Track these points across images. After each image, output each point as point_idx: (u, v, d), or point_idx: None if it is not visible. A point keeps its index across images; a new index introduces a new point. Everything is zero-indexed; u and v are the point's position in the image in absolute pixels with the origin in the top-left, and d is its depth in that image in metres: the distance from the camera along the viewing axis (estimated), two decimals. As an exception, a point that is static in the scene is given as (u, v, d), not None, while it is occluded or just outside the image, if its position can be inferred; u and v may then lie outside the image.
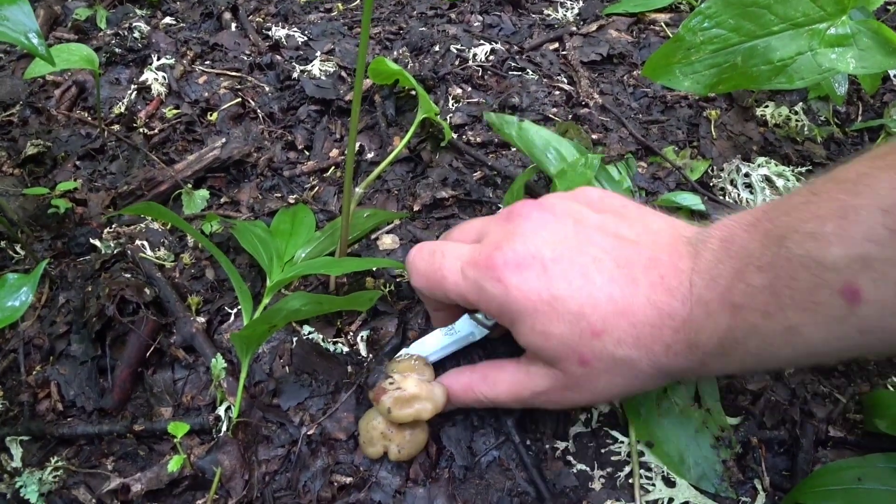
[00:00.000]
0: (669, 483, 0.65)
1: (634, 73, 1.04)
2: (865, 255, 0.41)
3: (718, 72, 0.78)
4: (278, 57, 1.00)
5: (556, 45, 1.06)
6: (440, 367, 0.68)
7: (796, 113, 0.98)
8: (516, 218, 0.59)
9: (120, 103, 0.96)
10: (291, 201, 0.84)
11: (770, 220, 0.48)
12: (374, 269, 0.76)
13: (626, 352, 0.52)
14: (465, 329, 0.67)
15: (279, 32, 1.05)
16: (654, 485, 0.65)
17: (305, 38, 1.03)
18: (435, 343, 0.67)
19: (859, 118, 1.02)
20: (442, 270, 0.60)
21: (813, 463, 0.67)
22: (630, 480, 0.66)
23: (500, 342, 0.71)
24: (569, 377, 0.56)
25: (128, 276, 0.74)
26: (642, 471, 0.66)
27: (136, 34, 1.07)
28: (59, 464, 0.66)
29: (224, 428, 0.66)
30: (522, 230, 0.57)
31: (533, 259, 0.55)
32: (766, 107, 0.99)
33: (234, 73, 0.99)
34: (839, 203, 0.43)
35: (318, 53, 1.00)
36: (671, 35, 1.06)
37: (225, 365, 0.66)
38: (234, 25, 1.08)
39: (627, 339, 0.52)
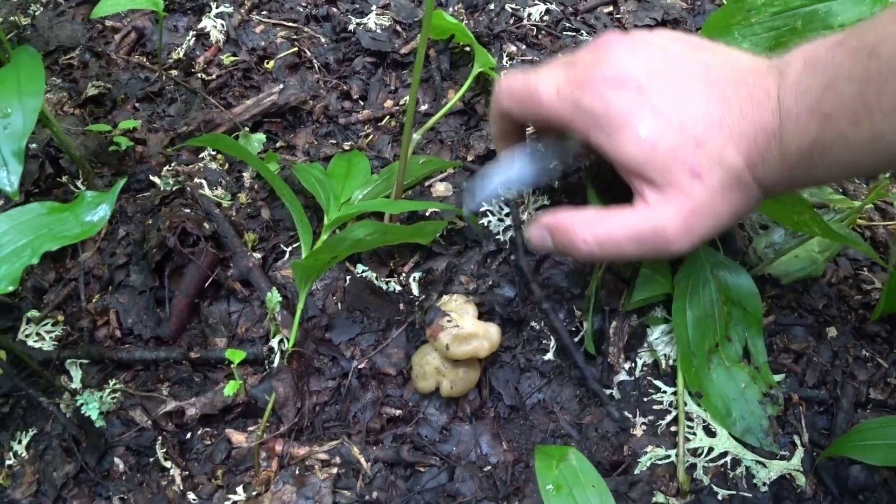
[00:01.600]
0: (710, 433, 0.66)
1: (688, 38, 1.03)
2: None
3: (777, 35, 0.77)
4: (334, 9, 1.02)
5: (611, 8, 1.06)
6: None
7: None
8: (606, 45, 0.58)
9: (178, 49, 0.98)
10: (346, 147, 0.86)
11: (856, 38, 0.48)
12: (427, 213, 0.77)
13: (729, 159, 0.53)
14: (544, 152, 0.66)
15: (335, -15, 1.06)
16: (694, 433, 0.66)
17: (361, -8, 1.04)
18: (518, 165, 0.67)
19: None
20: (537, 89, 0.60)
21: (852, 423, 0.68)
22: (673, 428, 0.67)
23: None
24: (686, 194, 0.54)
25: (187, 210, 0.76)
26: (685, 421, 0.67)
27: (194, -17, 1.08)
28: (117, 386, 0.69)
29: (277, 359, 0.68)
30: (614, 54, 0.57)
31: (629, 78, 0.55)
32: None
33: (290, 24, 1.00)
34: None
35: (374, 7, 1.01)
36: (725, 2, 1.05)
37: (280, 298, 0.67)
38: (290, -23, 1.09)
39: (727, 148, 0.53)
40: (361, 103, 0.92)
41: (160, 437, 0.66)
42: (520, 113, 0.63)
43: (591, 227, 0.57)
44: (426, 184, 0.81)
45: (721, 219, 0.55)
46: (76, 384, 0.69)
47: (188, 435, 0.67)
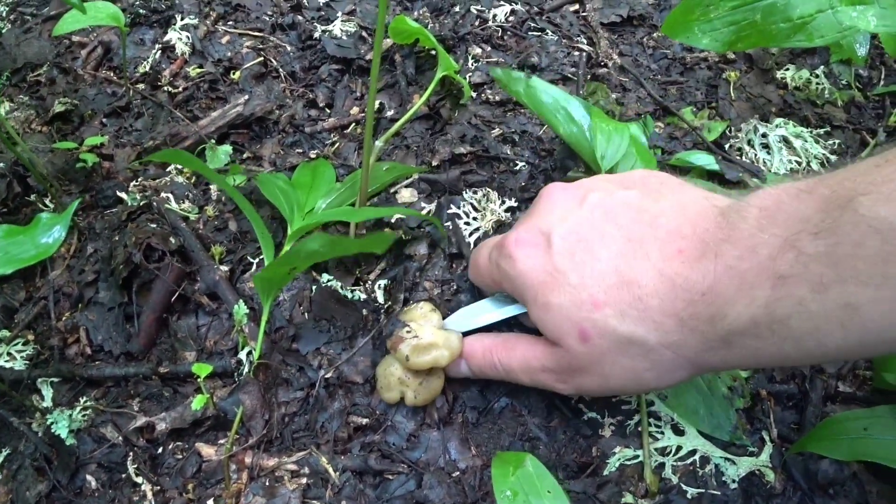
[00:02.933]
0: (678, 431, 0.67)
1: (654, 34, 1.04)
2: None
3: (737, 29, 0.78)
4: (300, 17, 1.02)
5: (576, 6, 1.06)
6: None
7: (817, 76, 0.98)
8: (539, 200, 0.60)
9: (145, 63, 0.98)
10: (312, 156, 0.86)
11: (828, 186, 0.42)
12: (392, 219, 0.77)
13: (629, 327, 0.50)
14: (506, 304, 0.67)
15: (302, -7, 1.06)
16: (662, 433, 0.66)
17: None
18: (479, 313, 0.68)
19: (881, 82, 1.01)
20: (478, 260, 0.64)
21: (821, 417, 0.68)
22: (639, 428, 0.67)
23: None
24: (573, 356, 0.54)
25: (153, 225, 0.76)
26: (652, 420, 0.67)
27: (161, -5, 1.08)
28: (88, 404, 0.69)
29: (246, 371, 0.68)
30: (539, 210, 0.59)
31: (541, 236, 0.56)
32: (787, 70, 0.99)
33: (256, 34, 1.00)
34: None
35: (340, 14, 1.01)
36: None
37: (247, 311, 0.68)
38: (256, -13, 1.09)
39: (631, 312, 0.50)
40: (328, 111, 0.92)
41: (131, 453, 0.66)
42: (480, 285, 0.67)
43: (498, 354, 0.61)
44: (391, 190, 0.81)
45: (611, 380, 0.54)
46: (47, 403, 0.69)
47: (159, 450, 0.67)
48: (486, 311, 0.66)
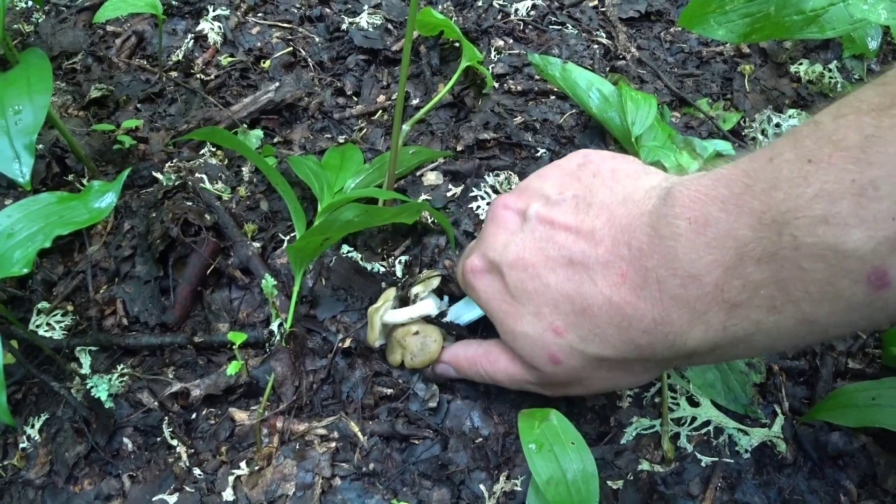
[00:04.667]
0: (693, 403, 0.69)
1: (671, 29, 1.07)
2: (895, 235, 0.35)
3: (752, 21, 0.80)
4: (327, 10, 1.05)
5: (595, 1, 1.09)
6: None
7: (830, 70, 1.00)
8: (488, 219, 0.61)
9: (178, 51, 1.01)
10: (341, 141, 0.89)
11: (755, 195, 0.40)
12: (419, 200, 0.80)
13: (594, 349, 0.51)
14: None
15: (329, -13, 1.10)
16: (678, 404, 0.69)
17: (353, -7, 1.08)
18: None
19: (893, 78, 1.03)
20: (458, 274, 0.66)
21: (831, 392, 0.71)
22: (657, 400, 0.69)
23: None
24: (549, 375, 0.56)
25: (189, 203, 0.79)
26: (668, 392, 0.69)
27: (193, -12, 1.12)
28: (125, 371, 0.72)
29: (277, 339, 0.71)
30: (487, 233, 0.60)
31: (492, 265, 0.57)
32: (800, 64, 1.01)
33: (285, 25, 1.04)
34: (849, 175, 0.36)
35: (366, 7, 1.05)
36: (709, -5, 1.08)
37: (276, 283, 0.70)
38: (285, -19, 1.13)
39: (592, 338, 0.50)
40: (355, 99, 0.95)
41: (166, 418, 0.69)
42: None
43: (483, 365, 0.63)
44: (417, 173, 0.84)
45: (592, 388, 0.57)
46: (85, 370, 0.72)
47: (193, 415, 0.70)
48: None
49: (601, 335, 0.50)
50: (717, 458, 0.66)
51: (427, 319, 0.69)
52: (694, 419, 0.68)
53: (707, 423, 0.68)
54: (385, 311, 0.69)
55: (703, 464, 0.66)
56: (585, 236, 0.51)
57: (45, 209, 0.57)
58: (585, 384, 0.56)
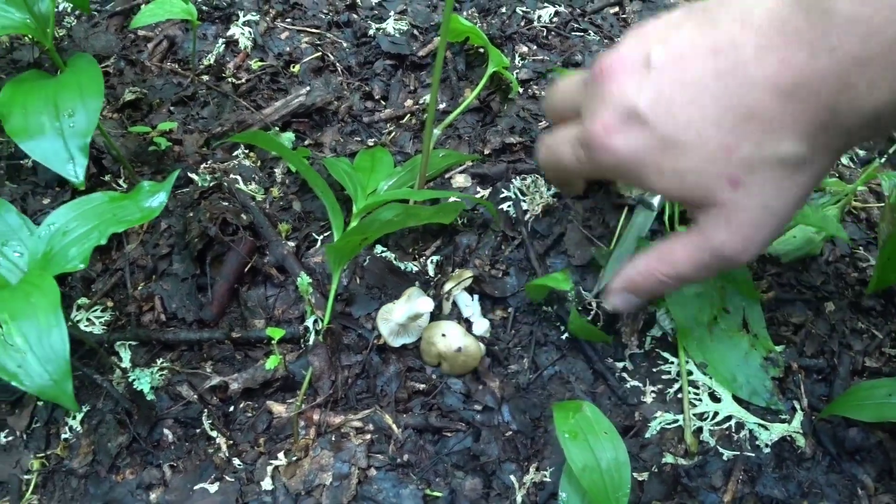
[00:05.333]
0: (715, 399, 0.71)
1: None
2: None
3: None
4: (354, 16, 1.07)
5: (617, 8, 1.11)
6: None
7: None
8: (603, 79, 0.54)
9: (209, 56, 1.04)
10: (370, 144, 0.92)
11: None
12: (449, 201, 0.83)
13: (772, 148, 0.47)
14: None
15: (355, -7, 1.12)
16: (700, 400, 0.71)
17: None
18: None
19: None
20: (559, 159, 0.60)
21: (848, 389, 0.73)
22: (679, 395, 0.72)
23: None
24: (735, 208, 0.50)
25: (225, 203, 0.82)
26: (690, 388, 0.72)
27: (221, -6, 1.15)
28: (164, 365, 0.75)
29: (313, 337, 0.73)
30: (610, 92, 0.53)
31: (629, 118, 0.51)
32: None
33: (313, 30, 1.06)
34: None
35: (392, 13, 1.07)
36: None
37: (311, 281, 0.73)
38: (311, -13, 1.15)
39: (770, 139, 0.47)
40: (383, 103, 0.98)
41: (206, 410, 0.71)
42: (564, 178, 0.65)
43: (660, 270, 0.58)
44: (446, 176, 0.87)
45: (780, 214, 0.51)
46: (126, 364, 0.75)
47: (231, 408, 0.72)
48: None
49: (777, 132, 0.46)
50: (738, 452, 0.68)
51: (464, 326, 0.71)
52: (716, 414, 0.70)
53: (728, 418, 0.70)
54: (385, 310, 0.72)
55: (724, 457, 0.68)
56: (726, 48, 0.47)
57: (98, 208, 0.60)
58: (774, 206, 0.50)
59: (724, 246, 0.52)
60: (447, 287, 0.72)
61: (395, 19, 1.06)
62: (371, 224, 0.62)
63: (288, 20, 1.09)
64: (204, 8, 1.11)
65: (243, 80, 1.01)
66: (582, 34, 1.06)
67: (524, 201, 0.82)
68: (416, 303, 0.69)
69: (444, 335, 0.70)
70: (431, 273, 0.78)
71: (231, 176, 0.86)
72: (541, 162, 0.66)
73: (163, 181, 0.63)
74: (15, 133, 0.62)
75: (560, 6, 1.10)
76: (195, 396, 0.73)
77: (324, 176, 0.81)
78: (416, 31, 1.05)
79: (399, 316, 0.70)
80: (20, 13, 0.70)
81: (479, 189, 0.85)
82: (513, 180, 0.84)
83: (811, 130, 0.46)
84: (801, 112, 0.45)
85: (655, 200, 0.76)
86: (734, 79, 0.47)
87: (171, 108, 0.99)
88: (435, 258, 0.79)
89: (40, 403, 0.73)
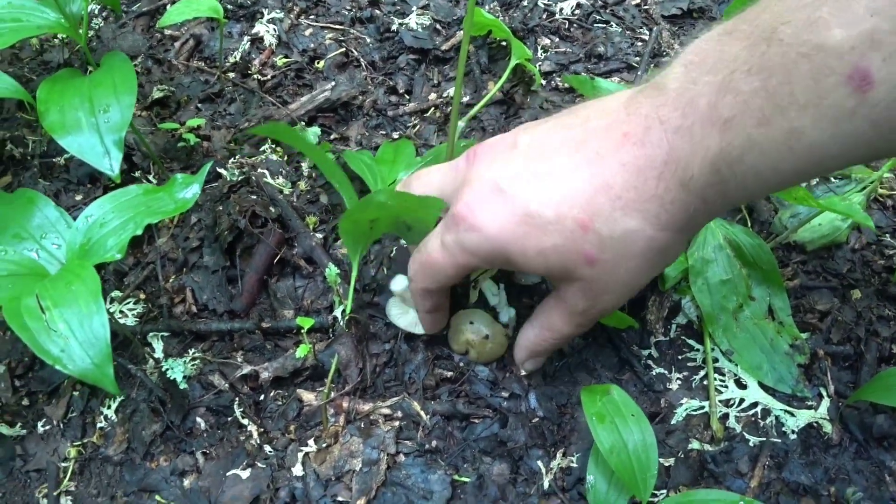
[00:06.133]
0: (741, 385, 0.72)
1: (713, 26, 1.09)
2: (872, 30, 0.37)
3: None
4: (377, 11, 1.09)
5: (638, 0, 1.12)
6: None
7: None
8: (472, 161, 0.58)
9: (234, 53, 1.06)
10: (395, 137, 0.93)
11: (747, 23, 0.43)
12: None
13: (623, 226, 0.50)
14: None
15: (377, -11, 1.14)
16: (726, 386, 0.71)
17: (402, -6, 1.12)
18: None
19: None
20: (430, 256, 0.61)
21: (876, 375, 0.73)
22: (704, 382, 0.72)
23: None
24: (591, 282, 0.54)
25: (254, 197, 0.83)
26: (716, 375, 0.72)
27: (246, -8, 1.16)
28: (196, 355, 0.76)
29: (340, 325, 0.74)
30: (475, 174, 0.56)
31: (492, 191, 0.54)
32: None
33: (337, 26, 1.08)
34: None
35: (414, 8, 1.08)
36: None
37: (339, 271, 0.74)
38: (334, -16, 1.17)
39: (616, 214, 0.49)
40: (407, 97, 0.99)
41: (237, 399, 0.73)
42: (437, 284, 0.63)
43: (547, 339, 0.64)
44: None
45: (633, 283, 0.55)
46: (159, 354, 0.77)
47: (262, 396, 0.74)
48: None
49: (623, 206, 0.49)
50: (764, 439, 0.69)
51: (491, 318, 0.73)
52: (742, 401, 0.71)
53: (755, 404, 0.70)
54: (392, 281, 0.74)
55: (751, 443, 0.68)
56: (579, 126, 0.52)
57: (133, 200, 0.61)
58: (627, 280, 0.54)
59: (588, 310, 0.58)
60: (473, 276, 0.72)
61: (417, 14, 1.07)
62: (367, 204, 0.60)
63: (311, 17, 1.11)
64: (229, 6, 1.13)
65: (269, 77, 1.02)
66: (604, 26, 1.07)
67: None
68: (399, 278, 0.73)
69: (471, 322, 0.71)
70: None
71: (259, 170, 0.88)
72: (411, 275, 0.66)
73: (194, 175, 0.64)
74: (53, 129, 0.64)
75: (582, -2, 1.10)
76: (227, 385, 0.74)
77: (346, 170, 0.82)
78: (438, 26, 1.06)
79: (398, 286, 0.72)
80: (54, 13, 0.72)
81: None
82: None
83: (655, 206, 0.49)
84: (640, 186, 0.49)
85: None
86: (585, 154, 0.51)
87: (199, 105, 1.01)
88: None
89: (76, 393, 0.75)
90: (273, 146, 0.92)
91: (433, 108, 0.96)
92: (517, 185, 0.53)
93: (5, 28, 0.68)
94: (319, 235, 0.82)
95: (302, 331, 0.72)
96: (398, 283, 0.72)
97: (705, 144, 0.45)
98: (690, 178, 0.47)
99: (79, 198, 0.90)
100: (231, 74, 1.04)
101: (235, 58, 1.06)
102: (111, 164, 0.62)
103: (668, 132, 0.46)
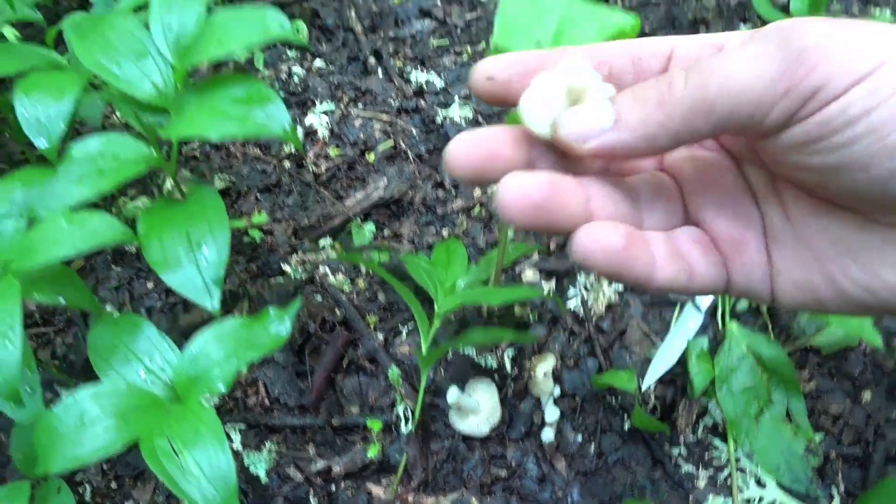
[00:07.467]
0: (761, 484, 0.80)
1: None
2: None
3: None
4: (422, 102, 1.17)
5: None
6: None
7: None
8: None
9: (288, 143, 1.14)
10: (444, 235, 1.01)
11: None
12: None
13: None
14: None
15: (420, 77, 1.21)
16: (747, 486, 0.80)
17: (443, 83, 1.19)
18: None
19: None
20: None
21: (883, 476, 0.81)
22: (728, 481, 0.81)
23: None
24: None
25: (319, 299, 0.92)
26: (739, 473, 0.81)
27: (295, 79, 1.24)
28: (272, 447, 0.85)
29: (404, 424, 0.83)
30: None
31: None
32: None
33: (384, 116, 1.16)
34: None
35: (456, 98, 1.16)
36: None
37: (400, 373, 0.83)
38: (379, 70, 1.25)
39: None
40: (454, 192, 1.07)
41: (311, 490, 0.82)
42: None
43: None
44: (516, 270, 0.96)
45: None
46: (237, 446, 0.85)
47: (333, 487, 0.82)
48: None
49: None
50: (784, 533, 0.77)
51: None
52: (761, 499, 0.79)
53: (773, 502, 0.79)
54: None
55: (772, 538, 0.77)
56: None
57: (234, 333, 0.69)
58: None
59: None
60: (530, 364, 0.81)
61: (459, 105, 1.15)
62: (461, 340, 0.69)
63: (360, 106, 1.19)
64: (281, 94, 1.21)
65: (323, 169, 1.10)
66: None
67: (588, 297, 0.92)
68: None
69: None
70: (508, 368, 0.87)
71: (320, 269, 0.96)
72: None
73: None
74: (156, 265, 0.72)
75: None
76: (302, 478, 0.83)
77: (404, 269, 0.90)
78: (479, 118, 1.15)
79: (452, 397, 0.80)
80: (146, 147, 0.80)
81: (544, 283, 0.94)
82: (578, 276, 0.94)
83: None
84: None
85: (703, 303, 0.84)
86: None
87: (258, 196, 1.10)
88: (509, 351, 0.88)
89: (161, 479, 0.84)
90: (331, 242, 1.00)
91: (478, 205, 1.05)
92: None
93: (107, 167, 0.75)
94: (380, 335, 0.91)
95: (372, 432, 0.81)
96: (452, 395, 0.79)
97: None
98: None
99: (150, 285, 0.98)
100: (287, 164, 1.12)
101: (290, 148, 1.14)
102: (212, 302, 0.71)
103: None
